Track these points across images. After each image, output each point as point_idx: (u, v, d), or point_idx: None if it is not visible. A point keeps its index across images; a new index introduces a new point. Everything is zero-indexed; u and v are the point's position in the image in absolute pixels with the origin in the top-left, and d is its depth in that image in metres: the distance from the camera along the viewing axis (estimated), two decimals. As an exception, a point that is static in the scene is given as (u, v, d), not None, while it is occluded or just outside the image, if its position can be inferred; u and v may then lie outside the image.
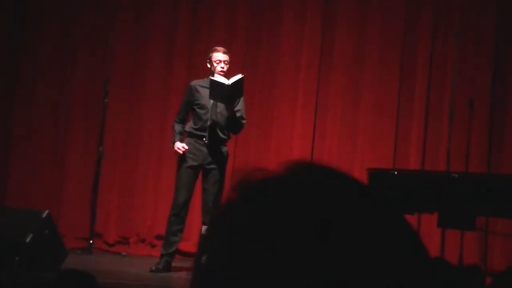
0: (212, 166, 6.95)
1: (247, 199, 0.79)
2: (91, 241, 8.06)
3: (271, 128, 8.46)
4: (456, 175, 6.66)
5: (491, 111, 8.03)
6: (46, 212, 6.35)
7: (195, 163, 6.95)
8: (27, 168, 8.63)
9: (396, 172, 6.86)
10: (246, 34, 8.58)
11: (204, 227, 6.73)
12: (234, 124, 7.00)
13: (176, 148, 6.98)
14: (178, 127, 7.10)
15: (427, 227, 7.46)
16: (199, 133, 6.96)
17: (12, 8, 8.77)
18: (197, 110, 6.99)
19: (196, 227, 7.22)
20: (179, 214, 6.98)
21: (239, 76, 6.85)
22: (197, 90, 7.03)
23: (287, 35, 8.49)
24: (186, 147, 6.95)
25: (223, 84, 6.79)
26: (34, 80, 8.73)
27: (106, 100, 8.26)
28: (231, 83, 6.78)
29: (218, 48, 7.08)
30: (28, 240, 6.00)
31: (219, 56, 7.01)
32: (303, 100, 8.45)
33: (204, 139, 6.95)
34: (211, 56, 7.04)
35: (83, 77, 8.71)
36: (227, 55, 7.04)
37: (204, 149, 6.95)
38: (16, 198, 8.40)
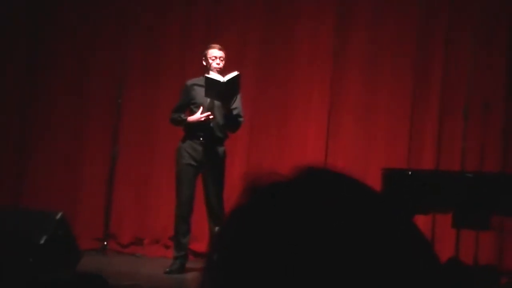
0: (210, 166, 6.89)
1: (255, 204, 0.80)
2: (105, 243, 8.07)
3: (285, 128, 8.45)
4: (471, 175, 6.64)
5: (506, 110, 8.00)
6: (60, 213, 6.37)
7: (193, 162, 6.90)
8: (42, 169, 8.66)
9: (410, 172, 6.84)
10: (260, 34, 8.57)
11: (217, 228, 6.73)
12: (231, 122, 6.95)
13: (199, 119, 6.79)
14: (177, 114, 7.00)
15: (442, 227, 7.43)
16: (196, 132, 6.90)
17: (27, 8, 8.79)
18: (194, 109, 6.93)
19: (207, 228, 7.22)
20: (183, 215, 6.94)
21: (235, 73, 6.79)
22: (193, 89, 6.97)
23: (302, 35, 8.48)
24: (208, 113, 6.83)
25: (218, 81, 6.73)
26: (49, 81, 8.74)
27: (119, 100, 8.28)
28: (227, 80, 6.73)
29: (214, 45, 7.03)
30: (42, 241, 6.02)
31: (215, 53, 6.95)
32: (317, 100, 8.43)
33: (201, 138, 6.89)
34: (206, 53, 6.97)
35: (98, 78, 8.71)
36: (223, 51, 6.98)
37: (201, 149, 6.89)
38: (31, 198, 8.43)
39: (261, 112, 8.45)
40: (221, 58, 6.94)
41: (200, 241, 7.77)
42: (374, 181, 6.37)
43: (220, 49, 6.97)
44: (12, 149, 8.75)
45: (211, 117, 6.84)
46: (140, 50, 8.68)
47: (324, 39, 8.46)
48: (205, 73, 6.93)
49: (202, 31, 8.60)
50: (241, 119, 7.01)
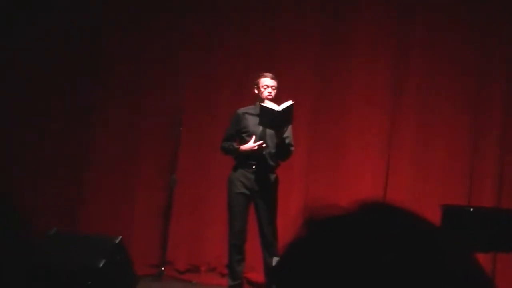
0: (263, 194, 6.88)
1: (314, 237, 0.80)
2: (162, 268, 8.10)
3: (343, 163, 8.39)
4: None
5: None
6: (119, 238, 6.43)
7: (245, 191, 6.89)
8: (100, 195, 8.74)
9: (471, 209, 6.73)
10: (316, 64, 8.51)
11: (274, 258, 6.71)
12: (283, 151, 6.93)
13: (252, 147, 6.79)
14: (228, 143, 7.02)
15: (503, 266, 7.29)
16: (247, 161, 6.90)
17: (84, 37, 8.93)
18: (246, 138, 6.93)
19: (261, 256, 7.18)
20: (237, 243, 6.93)
21: (290, 102, 6.75)
22: (245, 118, 6.98)
23: (360, 70, 8.42)
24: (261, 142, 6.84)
25: (274, 110, 6.71)
26: (107, 109, 8.82)
27: (181, 128, 8.35)
28: (282, 109, 6.71)
29: (266, 73, 7.01)
30: (100, 265, 6.08)
31: (267, 82, 6.95)
32: (375, 133, 8.37)
33: (253, 167, 6.89)
34: (258, 82, 6.97)
35: (155, 105, 8.78)
36: (275, 80, 6.97)
37: (253, 177, 6.89)
38: (88, 224, 8.50)
39: (319, 144, 8.42)
40: (273, 87, 6.95)
41: (255, 270, 7.75)
42: (433, 218, 6.29)
43: (272, 78, 6.97)
44: (69, 175, 8.83)
45: (263, 145, 6.85)
46: (198, 77, 8.72)
47: (381, 75, 8.39)
48: (256, 102, 6.95)
49: (257, 62, 8.58)
50: (292, 148, 7.00)
